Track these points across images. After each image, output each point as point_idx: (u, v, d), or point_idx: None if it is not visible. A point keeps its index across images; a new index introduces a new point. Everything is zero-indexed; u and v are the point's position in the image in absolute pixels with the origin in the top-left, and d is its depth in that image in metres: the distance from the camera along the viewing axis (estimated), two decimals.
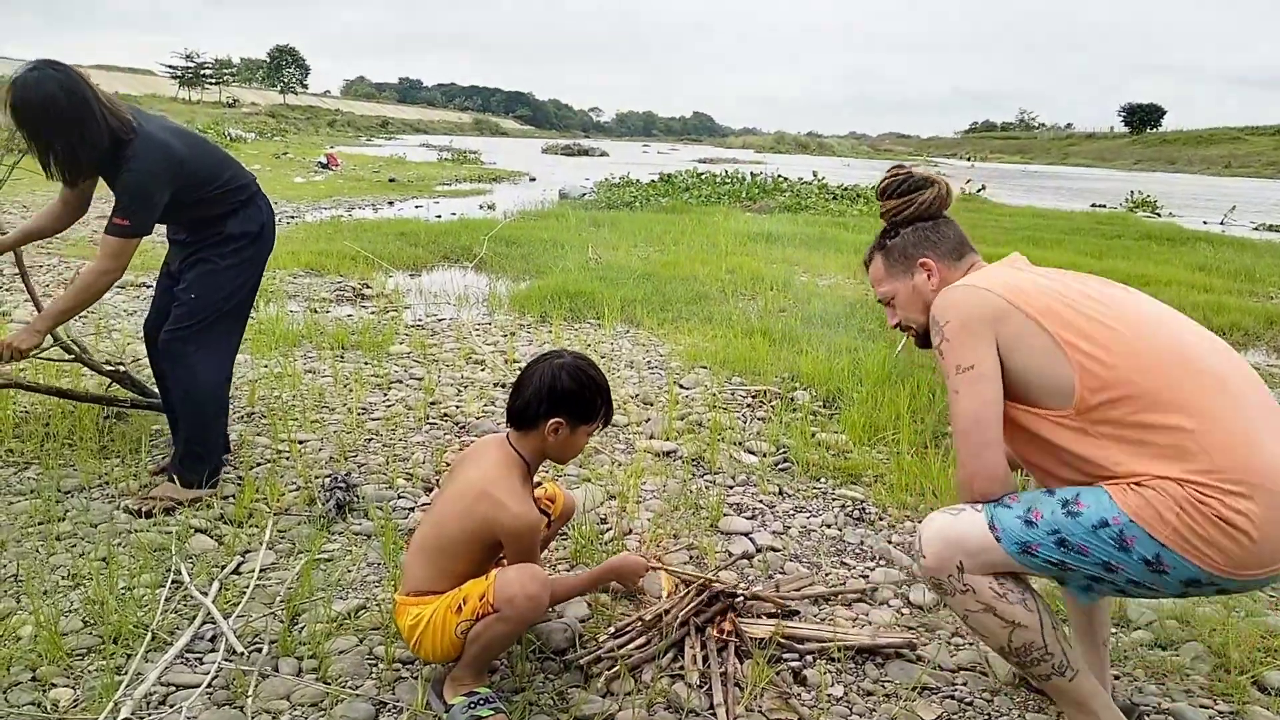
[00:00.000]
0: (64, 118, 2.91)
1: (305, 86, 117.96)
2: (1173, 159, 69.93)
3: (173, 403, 3.35)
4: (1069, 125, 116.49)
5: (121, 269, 3.15)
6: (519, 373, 2.31)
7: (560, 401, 2.19)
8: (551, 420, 2.19)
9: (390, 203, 16.15)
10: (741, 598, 2.61)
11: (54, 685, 2.19)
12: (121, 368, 3.91)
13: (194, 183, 3.18)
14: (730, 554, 3.08)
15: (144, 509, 3.08)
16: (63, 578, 2.68)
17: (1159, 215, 20.70)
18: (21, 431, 3.69)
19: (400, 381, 4.89)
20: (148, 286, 6.98)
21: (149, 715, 2.10)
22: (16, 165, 3.98)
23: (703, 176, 21.35)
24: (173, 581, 2.65)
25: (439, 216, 13.36)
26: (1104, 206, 22.87)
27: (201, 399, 3.27)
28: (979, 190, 23.74)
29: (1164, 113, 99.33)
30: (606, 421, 2.33)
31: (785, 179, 20.86)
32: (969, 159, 74.81)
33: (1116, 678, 2.46)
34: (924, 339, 2.14)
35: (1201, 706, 2.35)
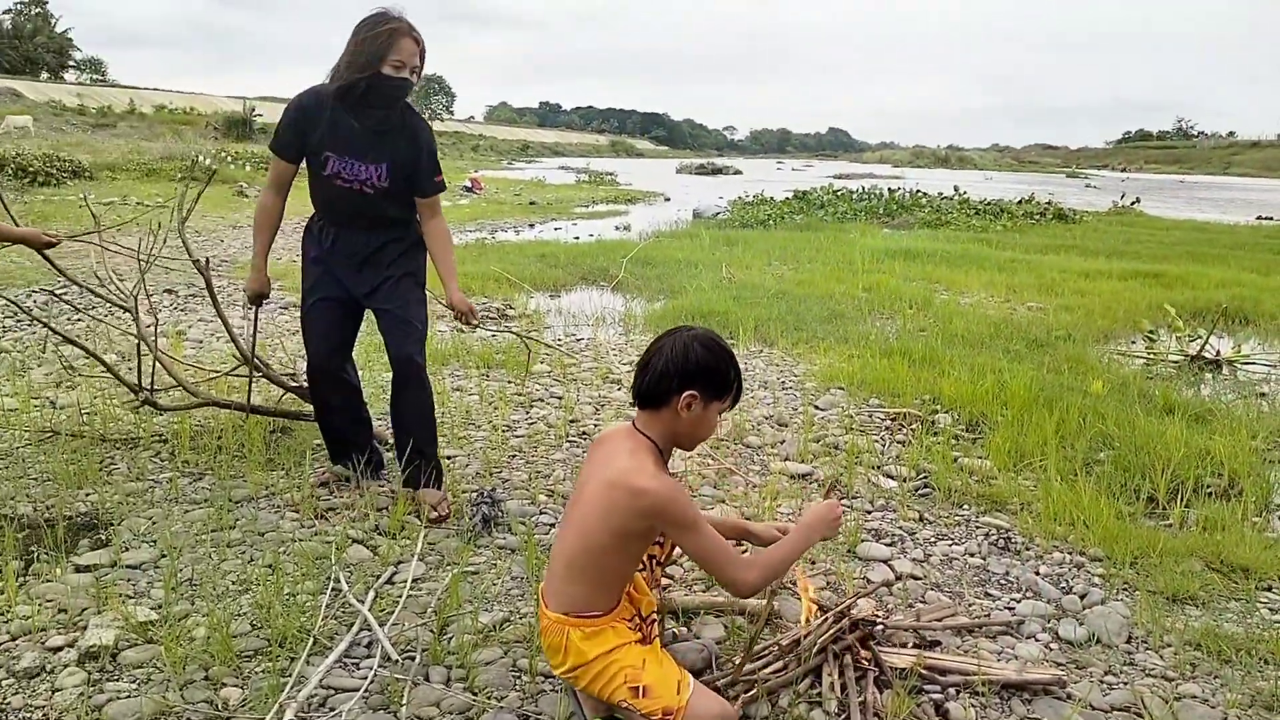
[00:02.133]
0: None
1: (451, 113, 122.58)
2: None
3: (406, 423, 3.44)
4: (1231, 133, 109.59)
5: None
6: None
7: (694, 374, 2.06)
8: (686, 394, 2.06)
9: (531, 225, 16.58)
10: (881, 626, 2.58)
11: (224, 685, 2.35)
12: (303, 384, 4.17)
13: None
14: (869, 581, 3.04)
15: (441, 515, 3.35)
16: (233, 583, 2.87)
17: None
18: (197, 444, 3.97)
19: (541, 400, 5.03)
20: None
21: (311, 716, 2.23)
22: (202, 193, 4.33)
23: (838, 193, 21.09)
24: (332, 589, 2.81)
25: (577, 238, 13.65)
26: (1271, 219, 21.40)
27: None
28: (1133, 203, 22.61)
29: None
30: (737, 399, 2.20)
31: (924, 194, 20.38)
32: (1121, 169, 71.31)
33: None
34: None
35: None
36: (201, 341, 6.13)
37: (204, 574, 2.89)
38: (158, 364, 4.11)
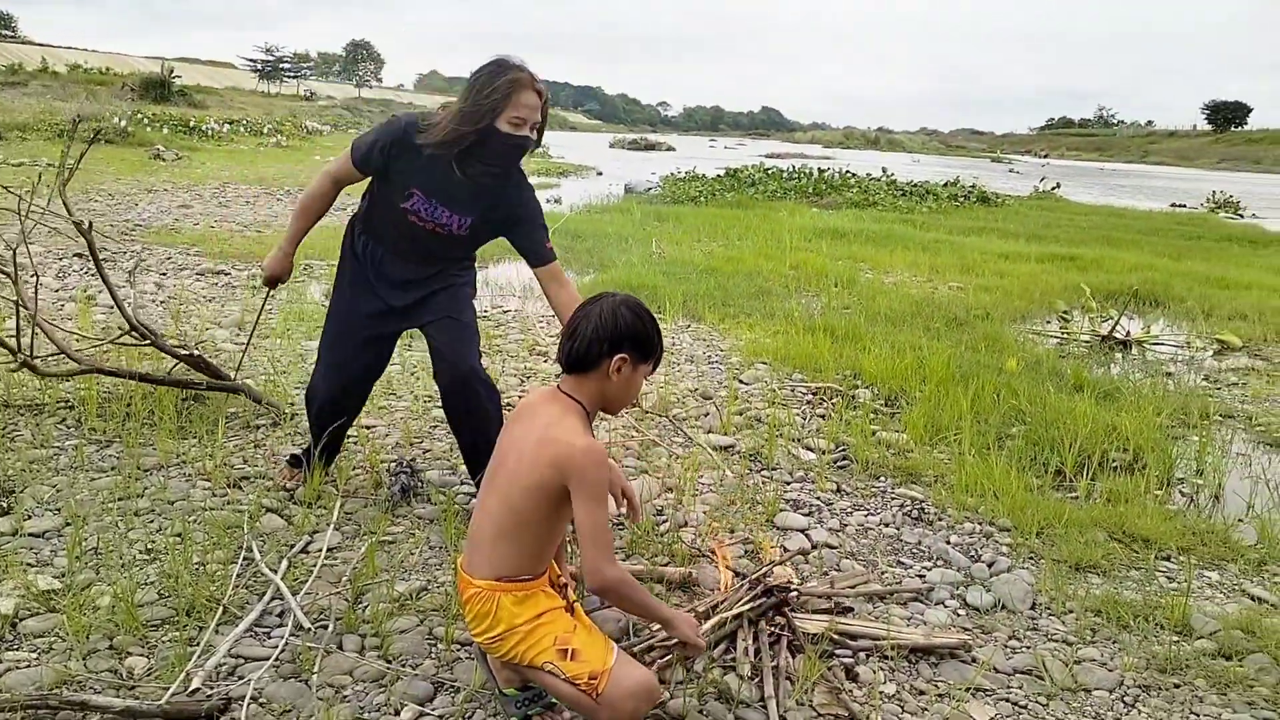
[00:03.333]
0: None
1: (380, 80, 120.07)
2: (1258, 159, 67.35)
3: (476, 437, 3.10)
4: (1149, 123, 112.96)
5: None
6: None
7: (624, 337, 2.07)
8: (616, 357, 2.07)
9: None
10: (796, 593, 2.62)
11: (129, 654, 2.29)
12: (194, 351, 4.04)
13: None
14: (786, 549, 3.08)
15: None
16: (140, 552, 2.79)
17: (1241, 216, 20.01)
18: (105, 411, 3.84)
19: None
20: (226, 274, 7.21)
21: (219, 686, 2.18)
22: (85, 153, 4.08)
23: (769, 172, 21.22)
24: (244, 558, 2.75)
25: None
26: (1184, 207, 22.17)
27: None
28: (1053, 188, 23.21)
29: (1250, 110, 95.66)
30: (658, 363, 2.21)
31: (853, 175, 20.62)
32: (1043, 155, 73.14)
33: (1177, 686, 2.42)
34: None
35: (1265, 718, 2.29)
36: (113, 308, 5.91)
37: (110, 543, 2.80)
38: (40, 330, 3.89)
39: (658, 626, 2.39)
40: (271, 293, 3.54)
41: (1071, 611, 2.80)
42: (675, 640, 2.17)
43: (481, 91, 2.75)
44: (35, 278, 4.06)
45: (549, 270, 3.05)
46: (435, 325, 3.08)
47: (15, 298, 3.80)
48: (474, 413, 3.07)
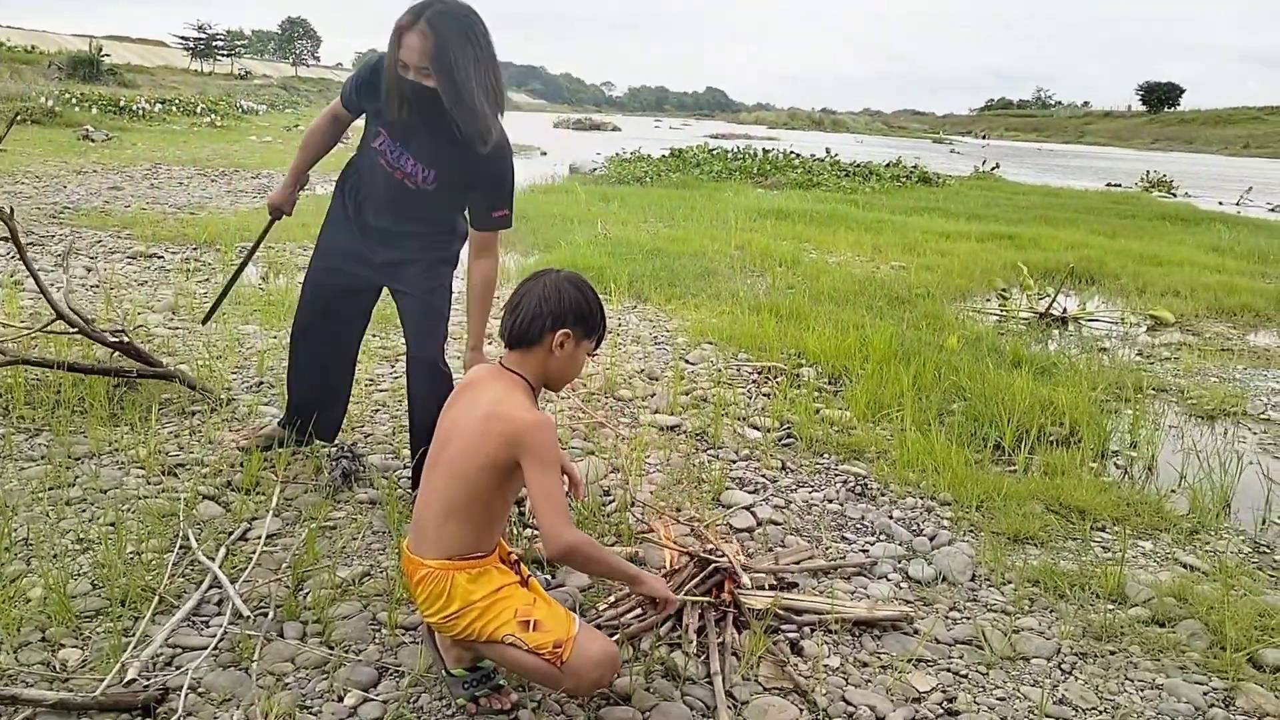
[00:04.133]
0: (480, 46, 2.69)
1: (317, 59, 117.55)
2: (1191, 139, 69.18)
3: (423, 420, 3.06)
4: (1086, 104, 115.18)
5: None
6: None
7: (567, 313, 2.07)
8: (560, 332, 2.07)
9: None
10: (740, 570, 2.63)
11: (62, 646, 2.22)
12: (124, 338, 3.93)
13: None
14: (732, 527, 3.10)
15: None
16: (72, 542, 2.71)
17: (1174, 195, 20.53)
18: (33, 399, 3.73)
19: (404, 355, 4.90)
20: (159, 258, 7.02)
21: (156, 676, 2.13)
22: (6, 134, 3.92)
23: (714, 152, 21.26)
24: (181, 547, 2.69)
25: None
26: (1119, 186, 22.70)
27: None
28: (993, 169, 23.58)
29: (1183, 92, 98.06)
30: (600, 341, 2.21)
31: (797, 155, 20.75)
32: (983, 136, 74.24)
33: (1112, 653, 2.48)
34: None
35: (1196, 683, 2.37)
36: (40, 294, 5.72)
37: (40, 533, 2.72)
38: None
39: (610, 603, 2.40)
40: (275, 222, 3.57)
41: (1010, 582, 2.86)
42: (640, 611, 2.19)
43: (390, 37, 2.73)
44: None
45: (481, 237, 3.04)
46: (406, 300, 3.07)
47: None
48: (425, 397, 3.06)
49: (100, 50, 37.09)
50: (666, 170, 17.65)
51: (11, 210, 3.74)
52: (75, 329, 3.83)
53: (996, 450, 3.96)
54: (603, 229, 9.51)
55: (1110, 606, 2.71)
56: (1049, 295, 6.86)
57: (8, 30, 50.62)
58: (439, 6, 2.64)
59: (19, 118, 5.69)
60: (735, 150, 21.92)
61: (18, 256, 6.27)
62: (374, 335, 5.18)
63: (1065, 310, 6.76)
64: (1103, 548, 3.15)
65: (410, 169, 2.90)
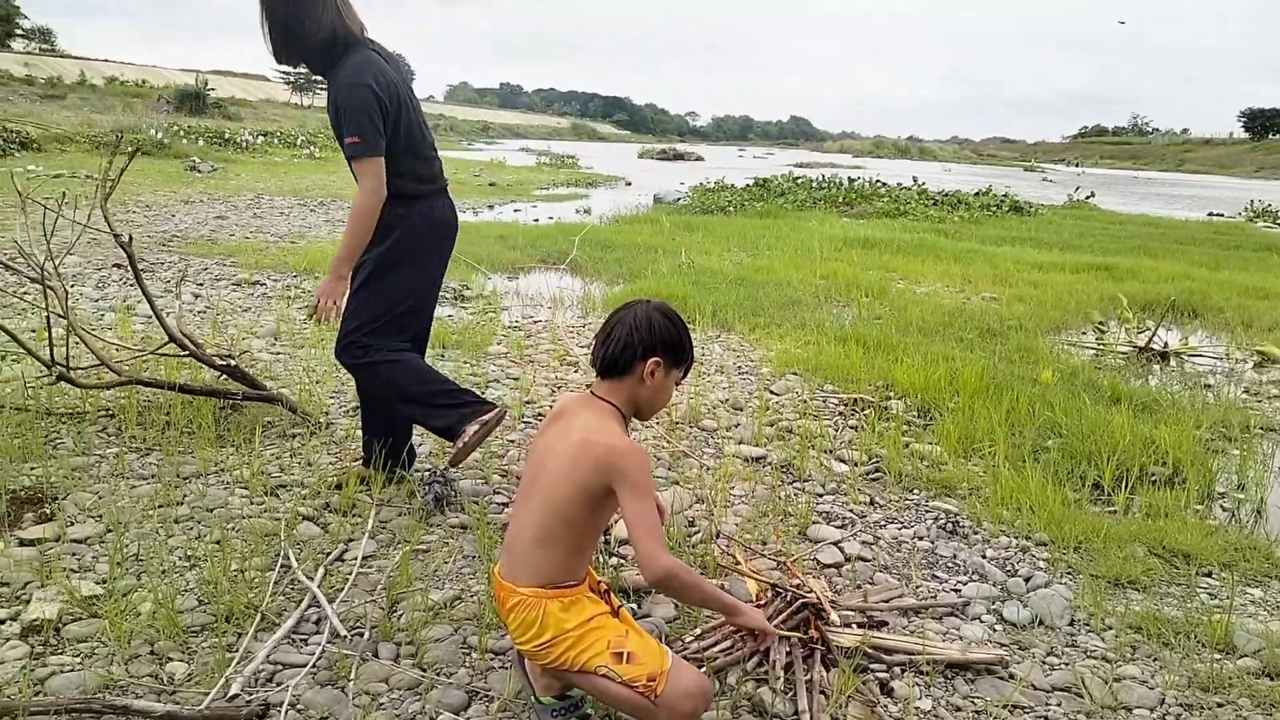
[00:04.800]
0: None
1: None
2: None
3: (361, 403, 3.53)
4: (1185, 131, 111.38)
5: (382, 186, 3.03)
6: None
7: (658, 342, 2.11)
8: (650, 361, 2.11)
9: (490, 206, 16.46)
10: (828, 606, 2.61)
11: (170, 659, 2.32)
12: (232, 361, 4.09)
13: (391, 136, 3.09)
14: (819, 562, 3.07)
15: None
16: (180, 559, 2.83)
17: None
18: (145, 419, 3.90)
19: (497, 381, 5.01)
20: (262, 285, 7.30)
21: (257, 692, 2.21)
22: (127, 167, 4.13)
23: (798, 181, 21.17)
24: (281, 566, 2.78)
25: (536, 220, 13.59)
26: (1221, 215, 21.86)
27: None
28: (1087, 197, 22.97)
29: None
30: (689, 370, 2.25)
31: (883, 184, 20.53)
32: (1077, 164, 72.43)
33: (1220, 705, 2.38)
34: None
35: None
36: (151, 318, 6.00)
37: (150, 549, 2.85)
38: (80, 341, 3.95)
39: (696, 635, 2.40)
40: None
41: (1111, 628, 2.76)
42: (728, 644, 2.18)
43: None
44: (65, 290, 4.07)
45: (353, 167, 3.06)
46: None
47: (52, 309, 3.86)
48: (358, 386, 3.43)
49: (206, 84, 38.85)
50: (750, 199, 17.64)
51: (130, 238, 3.93)
52: (186, 352, 4.00)
53: (1095, 490, 3.84)
54: (686, 258, 9.56)
55: (1217, 656, 2.60)
56: (1149, 329, 6.64)
57: (121, 66, 53.40)
58: None
59: (134, 149, 6.00)
60: (820, 179, 21.80)
61: (133, 282, 6.58)
62: (465, 362, 5.29)
63: (1166, 345, 6.53)
64: (1209, 594, 3.02)
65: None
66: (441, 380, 3.32)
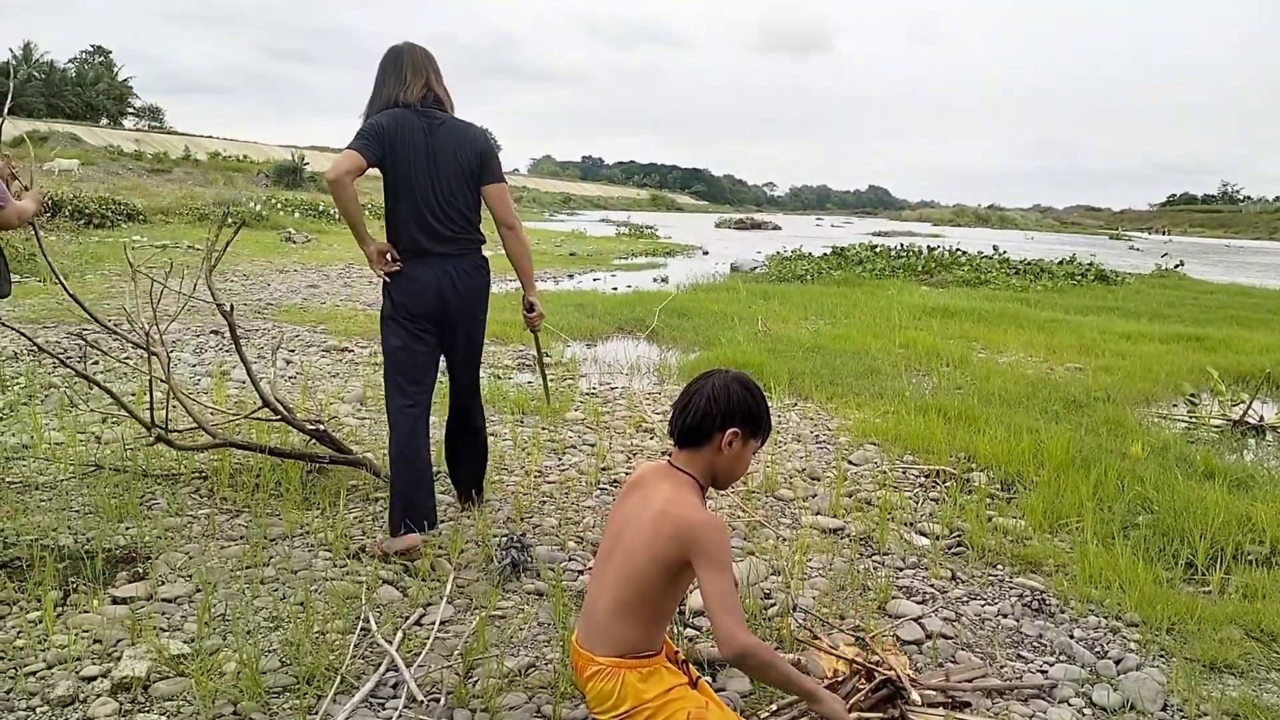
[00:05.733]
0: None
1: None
2: None
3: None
4: (1277, 199, 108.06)
5: (330, 174, 3.47)
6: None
7: (735, 412, 2.13)
8: (729, 431, 2.12)
9: (570, 275, 16.76)
10: (909, 685, 2.54)
11: (251, 719, 2.37)
12: (321, 426, 4.22)
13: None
14: (899, 639, 3.00)
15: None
16: (264, 619, 2.90)
17: None
18: (235, 482, 4.04)
19: (574, 447, 5.06)
20: (350, 351, 7.53)
21: None
22: (234, 237, 4.38)
23: (876, 250, 21.07)
24: (361, 629, 2.83)
25: (615, 289, 13.77)
26: None
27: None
28: (1176, 266, 22.37)
29: None
30: (766, 439, 2.26)
31: (963, 253, 20.30)
32: (1164, 232, 70.66)
33: None
34: None
35: None
36: (245, 383, 6.23)
37: (236, 610, 2.93)
38: (178, 403, 4.13)
39: (772, 711, 2.36)
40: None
41: (1206, 715, 2.63)
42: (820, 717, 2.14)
43: None
44: (167, 355, 4.27)
45: None
46: None
47: (153, 373, 4.06)
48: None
49: (303, 159, 40.62)
50: (828, 268, 17.61)
51: (232, 307, 4.12)
52: (278, 417, 4.15)
53: (1188, 569, 3.68)
54: (763, 326, 9.57)
55: None
56: (1243, 401, 6.39)
57: (224, 142, 56.23)
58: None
59: (239, 222, 6.37)
60: (898, 248, 21.67)
61: (229, 348, 6.85)
62: (543, 428, 5.36)
63: (1262, 418, 6.27)
64: None
65: None
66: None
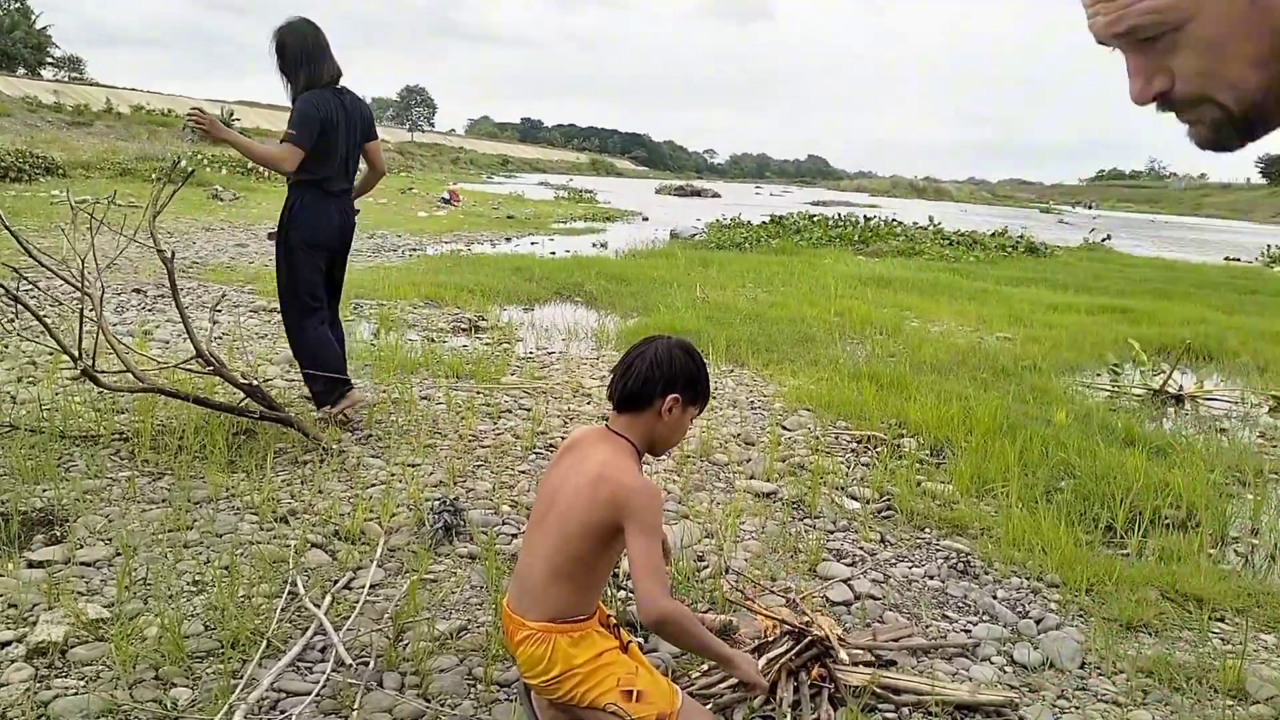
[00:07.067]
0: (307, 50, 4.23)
1: (432, 125, 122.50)
2: None
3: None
4: (1202, 175, 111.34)
5: (287, 166, 4.13)
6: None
7: (678, 377, 2.11)
8: (669, 397, 2.09)
9: (507, 239, 16.59)
10: (837, 644, 2.58)
11: (174, 685, 2.32)
12: (255, 381, 4.11)
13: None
14: (828, 599, 3.05)
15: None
16: (188, 583, 2.84)
17: None
18: (158, 443, 3.93)
19: (510, 411, 5.02)
20: (279, 312, 7.34)
21: (261, 719, 2.20)
22: (181, 186, 4.37)
23: (814, 219, 21.25)
24: (289, 592, 2.78)
25: (553, 253, 13.67)
26: (1238, 260, 21.80)
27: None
28: (1103, 240, 22.96)
29: None
30: (704, 407, 2.25)
31: (899, 223, 20.58)
32: (1092, 206, 72.42)
33: None
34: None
35: None
36: (168, 343, 6.06)
37: (159, 573, 2.85)
38: (109, 350, 3.98)
39: (703, 671, 2.38)
40: None
41: (1122, 672, 2.73)
42: (735, 680, 2.15)
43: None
44: (102, 290, 4.13)
45: None
46: None
47: (82, 306, 3.92)
48: None
49: (231, 114, 39.48)
50: (766, 236, 17.70)
51: (173, 254, 3.98)
52: (210, 369, 4.03)
53: (1108, 532, 3.80)
54: (701, 293, 9.58)
55: (1230, 703, 2.56)
56: (1164, 372, 6.60)
57: (148, 95, 54.17)
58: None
59: (188, 172, 6.19)
60: (836, 217, 21.88)
61: (151, 308, 6.65)
62: (477, 393, 5.31)
63: (1181, 388, 6.48)
64: (1221, 640, 2.98)
65: None
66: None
